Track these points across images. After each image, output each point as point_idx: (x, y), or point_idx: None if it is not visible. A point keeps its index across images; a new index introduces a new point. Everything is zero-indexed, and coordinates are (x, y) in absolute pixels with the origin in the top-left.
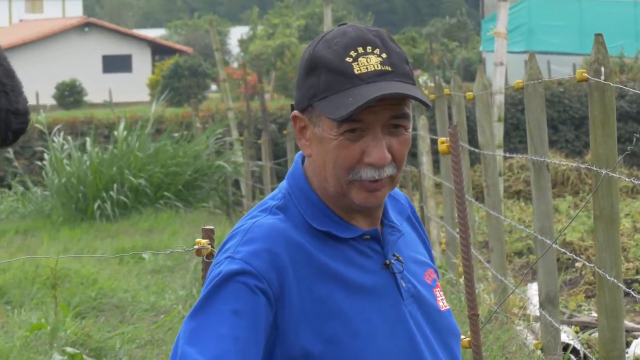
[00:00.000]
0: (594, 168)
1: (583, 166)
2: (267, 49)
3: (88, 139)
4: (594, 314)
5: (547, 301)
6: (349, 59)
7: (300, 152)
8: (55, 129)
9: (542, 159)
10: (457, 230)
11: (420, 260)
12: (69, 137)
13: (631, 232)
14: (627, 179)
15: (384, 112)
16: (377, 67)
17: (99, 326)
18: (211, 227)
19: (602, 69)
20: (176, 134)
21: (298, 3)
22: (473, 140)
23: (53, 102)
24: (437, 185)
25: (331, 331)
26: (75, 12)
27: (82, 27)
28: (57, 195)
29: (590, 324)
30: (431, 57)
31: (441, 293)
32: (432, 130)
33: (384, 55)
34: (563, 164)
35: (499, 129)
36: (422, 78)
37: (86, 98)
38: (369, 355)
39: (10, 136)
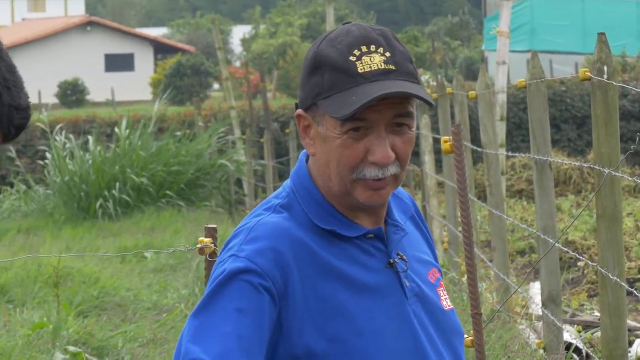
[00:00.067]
0: (597, 167)
1: (586, 165)
2: (269, 48)
3: (90, 138)
4: (597, 313)
5: (550, 300)
6: (352, 58)
7: (305, 150)
8: (57, 127)
9: (544, 158)
10: (460, 229)
11: (424, 260)
12: (71, 136)
13: (633, 231)
14: (629, 178)
15: (387, 111)
16: (381, 65)
17: (101, 325)
18: (214, 225)
19: (605, 68)
20: (178, 133)
21: (300, 2)
22: (475, 139)
23: (55, 100)
24: (440, 184)
25: (335, 330)
26: (78, 10)
27: (85, 26)
28: (59, 194)
29: (593, 323)
30: (433, 56)
31: (445, 292)
32: (435, 129)
33: (387, 54)
34: (566, 163)
35: (501, 128)
36: (425, 77)
37: (88, 97)
38: (373, 354)
39: (12, 131)
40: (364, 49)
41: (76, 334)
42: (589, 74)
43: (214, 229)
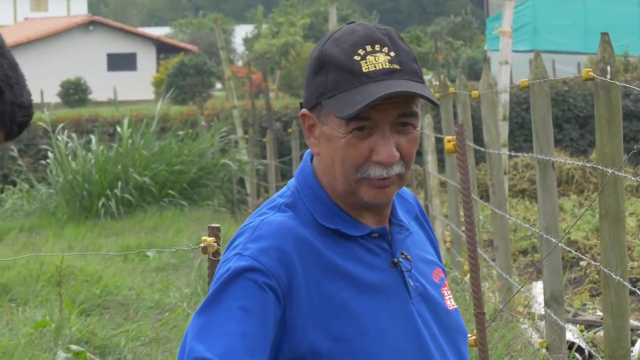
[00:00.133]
0: (600, 167)
1: (589, 165)
2: (271, 48)
3: (93, 137)
4: (599, 313)
5: (552, 300)
6: (357, 57)
7: (309, 150)
8: (59, 126)
9: (547, 158)
10: (463, 228)
11: (428, 259)
12: (74, 135)
13: (636, 231)
14: (632, 178)
15: (392, 111)
16: (386, 65)
17: (104, 324)
18: (217, 225)
19: (608, 68)
20: (181, 132)
21: (303, 2)
22: (478, 139)
23: (58, 100)
24: (442, 184)
25: (339, 329)
26: (80, 10)
27: (87, 26)
28: (61, 193)
29: (595, 322)
30: (436, 55)
31: (449, 292)
32: (437, 128)
33: (392, 54)
34: (568, 163)
35: (504, 128)
36: (427, 77)
37: (91, 96)
38: (378, 353)
39: (15, 129)
40: (368, 48)
41: (79, 332)
42: (592, 74)
43: (217, 228)
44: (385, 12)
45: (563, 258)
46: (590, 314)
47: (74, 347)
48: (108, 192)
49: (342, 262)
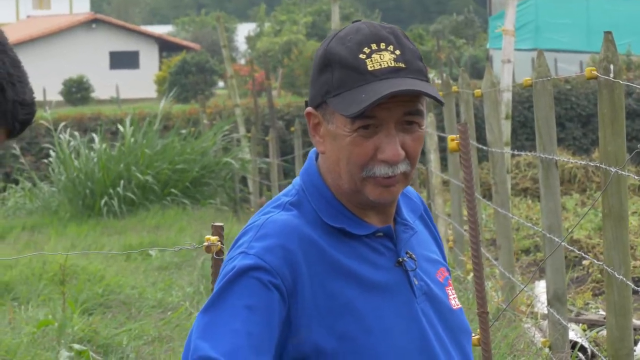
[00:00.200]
0: (603, 166)
1: (592, 164)
2: (274, 46)
3: (95, 135)
4: (602, 312)
5: (555, 299)
6: (362, 56)
7: (314, 148)
8: (61, 125)
9: (550, 157)
10: (465, 228)
11: (433, 259)
12: (76, 133)
13: (639, 230)
14: (636, 177)
15: (397, 109)
16: (391, 63)
17: (106, 323)
18: (221, 224)
19: (612, 66)
20: (184, 131)
21: (305, 0)
22: (480, 138)
23: (60, 98)
24: (445, 183)
25: (344, 328)
26: (83, 8)
27: (89, 24)
28: (64, 192)
29: (598, 321)
30: (438, 54)
31: (453, 292)
32: (440, 127)
33: (397, 52)
34: (571, 162)
35: (506, 127)
36: (430, 75)
37: (93, 94)
38: (382, 352)
39: (17, 127)
40: (374, 46)
41: (81, 331)
42: (595, 72)
43: (221, 227)
44: (387, 10)
45: (565, 257)
46: (593, 313)
47: (76, 346)
48: (110, 190)
49: (346, 261)
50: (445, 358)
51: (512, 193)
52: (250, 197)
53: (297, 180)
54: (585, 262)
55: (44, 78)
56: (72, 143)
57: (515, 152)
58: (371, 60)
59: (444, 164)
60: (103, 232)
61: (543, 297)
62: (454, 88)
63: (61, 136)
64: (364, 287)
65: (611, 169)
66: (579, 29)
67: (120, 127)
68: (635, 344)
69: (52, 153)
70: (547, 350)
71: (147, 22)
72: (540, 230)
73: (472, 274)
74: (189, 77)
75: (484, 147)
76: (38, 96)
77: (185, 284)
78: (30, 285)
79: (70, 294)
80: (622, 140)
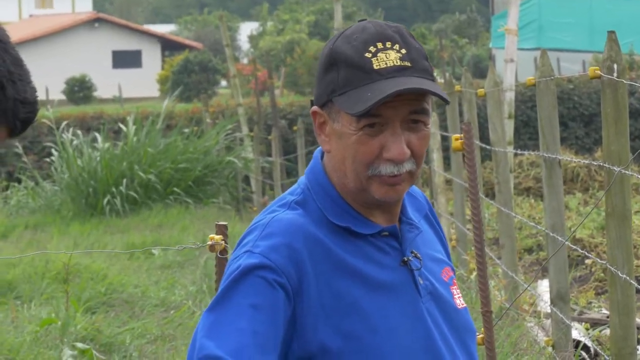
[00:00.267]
0: (607, 165)
1: (595, 163)
2: (277, 45)
3: (98, 134)
4: (604, 311)
5: (558, 298)
6: (368, 55)
7: (320, 147)
8: (64, 124)
9: (553, 156)
10: (469, 227)
11: (438, 258)
12: (79, 132)
13: None
14: (639, 177)
15: (403, 108)
16: (396, 62)
17: (109, 321)
18: (224, 223)
19: (615, 66)
20: (186, 130)
21: None
22: (483, 137)
23: (63, 97)
24: (448, 182)
25: (350, 327)
26: (85, 7)
27: (92, 23)
28: (67, 190)
29: (601, 321)
30: (441, 53)
31: (458, 291)
32: (443, 126)
33: (403, 51)
34: (575, 161)
35: (509, 126)
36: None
37: (96, 93)
38: (388, 351)
39: (18, 125)
40: (379, 45)
41: (84, 330)
42: (598, 72)
43: (225, 226)
44: (390, 9)
45: (568, 256)
46: (596, 312)
47: (79, 344)
48: (113, 189)
49: (352, 260)
50: (450, 357)
51: (515, 192)
52: (252, 196)
53: (302, 179)
54: (588, 261)
55: (47, 77)
56: (74, 142)
57: (518, 152)
58: (377, 59)
59: (446, 163)
60: (106, 231)
61: (546, 296)
62: (457, 87)
63: (64, 135)
64: (369, 286)
65: (615, 168)
66: (581, 28)
67: (123, 126)
68: (639, 342)
69: (54, 152)
70: (550, 349)
71: (149, 21)
72: (543, 229)
73: (475, 273)
74: (191, 76)
75: (487, 147)
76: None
77: (188, 282)
78: (33, 284)
79: (73, 293)
80: (625, 139)
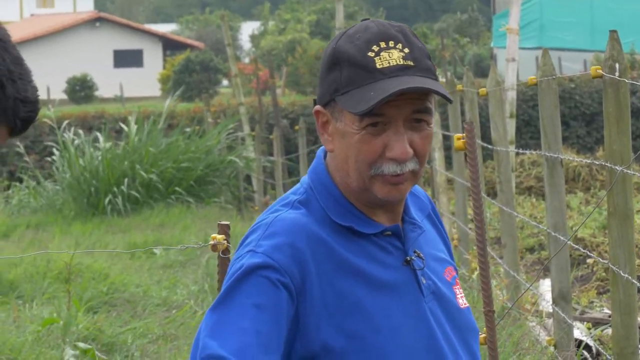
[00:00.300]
0: (609, 165)
1: (597, 163)
2: (278, 45)
3: (99, 134)
4: (606, 311)
5: (560, 297)
6: (371, 54)
7: (323, 147)
8: (65, 123)
9: (555, 155)
10: (470, 226)
11: (440, 258)
12: (80, 132)
13: None
14: None
15: (406, 107)
16: (399, 61)
17: (111, 321)
18: (227, 222)
19: (617, 65)
20: (188, 129)
21: None
22: (485, 136)
23: (64, 96)
24: (449, 181)
25: (353, 326)
26: (86, 7)
27: (93, 22)
28: (68, 190)
29: (602, 320)
30: (442, 52)
31: (461, 290)
32: (444, 126)
33: (406, 50)
34: (576, 161)
35: (511, 125)
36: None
37: (97, 93)
38: (391, 351)
39: (19, 124)
40: (382, 44)
41: (86, 330)
42: (600, 71)
43: (227, 226)
44: (391, 9)
45: (570, 256)
46: (598, 311)
47: (81, 344)
48: (115, 189)
49: (355, 260)
50: (453, 357)
51: (517, 191)
52: (254, 195)
53: (305, 178)
54: (589, 261)
55: (48, 76)
56: (76, 141)
57: (520, 151)
58: (380, 58)
59: (448, 162)
60: (107, 231)
61: (548, 296)
62: (459, 87)
63: (65, 135)
64: (372, 286)
65: (617, 167)
66: (583, 27)
67: (124, 126)
68: None
69: (55, 151)
70: (552, 348)
71: (151, 20)
72: (545, 228)
73: (477, 273)
74: (193, 76)
75: (489, 146)
76: (42, 94)
77: (190, 282)
78: (35, 284)
79: (75, 292)
80: (627, 138)
